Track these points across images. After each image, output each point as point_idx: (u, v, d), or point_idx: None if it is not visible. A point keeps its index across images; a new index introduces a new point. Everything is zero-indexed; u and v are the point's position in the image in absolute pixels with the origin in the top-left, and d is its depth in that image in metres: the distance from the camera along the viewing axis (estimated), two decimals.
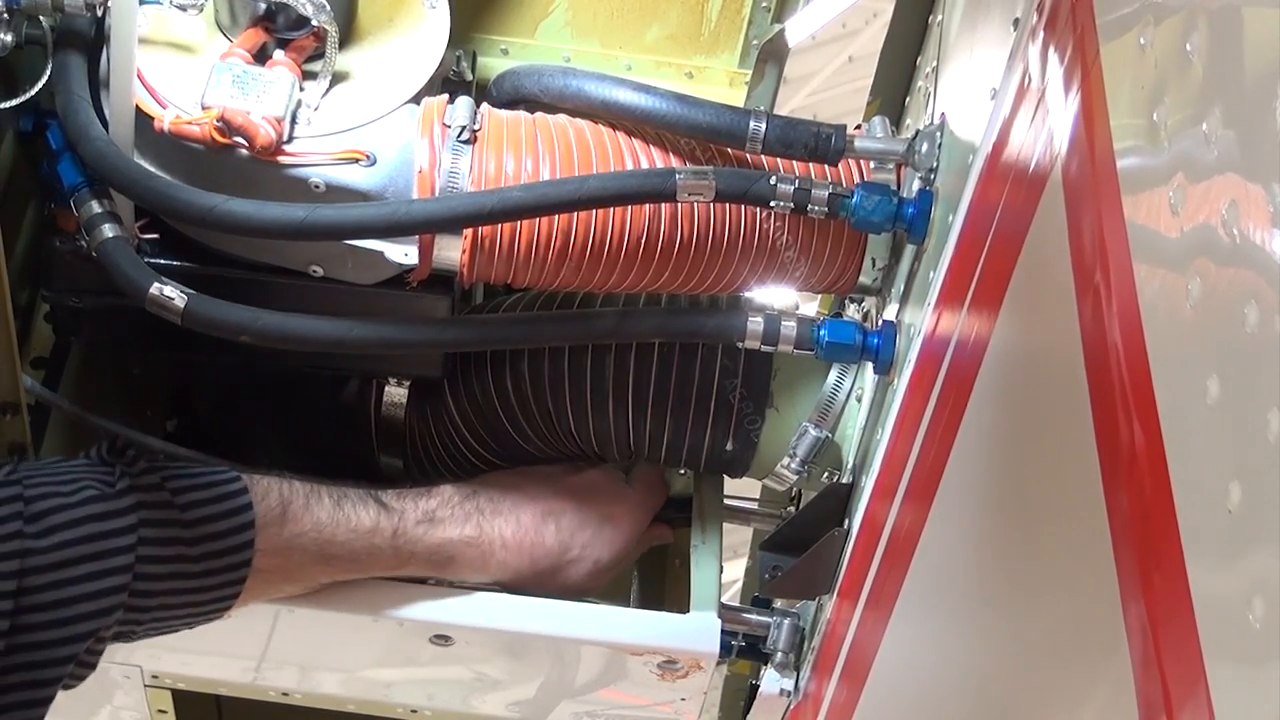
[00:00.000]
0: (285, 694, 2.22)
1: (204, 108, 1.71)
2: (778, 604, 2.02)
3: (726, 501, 2.16)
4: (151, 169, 1.74)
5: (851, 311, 2.14)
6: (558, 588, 1.94)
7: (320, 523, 1.77)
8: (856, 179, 1.82)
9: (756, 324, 1.82)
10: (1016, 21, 1.40)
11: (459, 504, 1.88)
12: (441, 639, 1.93)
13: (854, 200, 1.73)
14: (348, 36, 1.83)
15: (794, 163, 1.79)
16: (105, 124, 1.72)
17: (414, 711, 2.26)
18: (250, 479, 1.74)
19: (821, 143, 1.74)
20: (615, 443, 1.98)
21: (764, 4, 2.20)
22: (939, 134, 1.70)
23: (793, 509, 2.25)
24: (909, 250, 1.77)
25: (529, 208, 1.72)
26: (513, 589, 1.92)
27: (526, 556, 1.90)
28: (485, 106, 1.84)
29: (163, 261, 1.79)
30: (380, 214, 1.71)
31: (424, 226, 1.73)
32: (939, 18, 1.98)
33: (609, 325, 1.88)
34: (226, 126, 1.69)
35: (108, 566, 1.60)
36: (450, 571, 1.88)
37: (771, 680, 2.00)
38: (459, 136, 1.77)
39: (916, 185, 1.73)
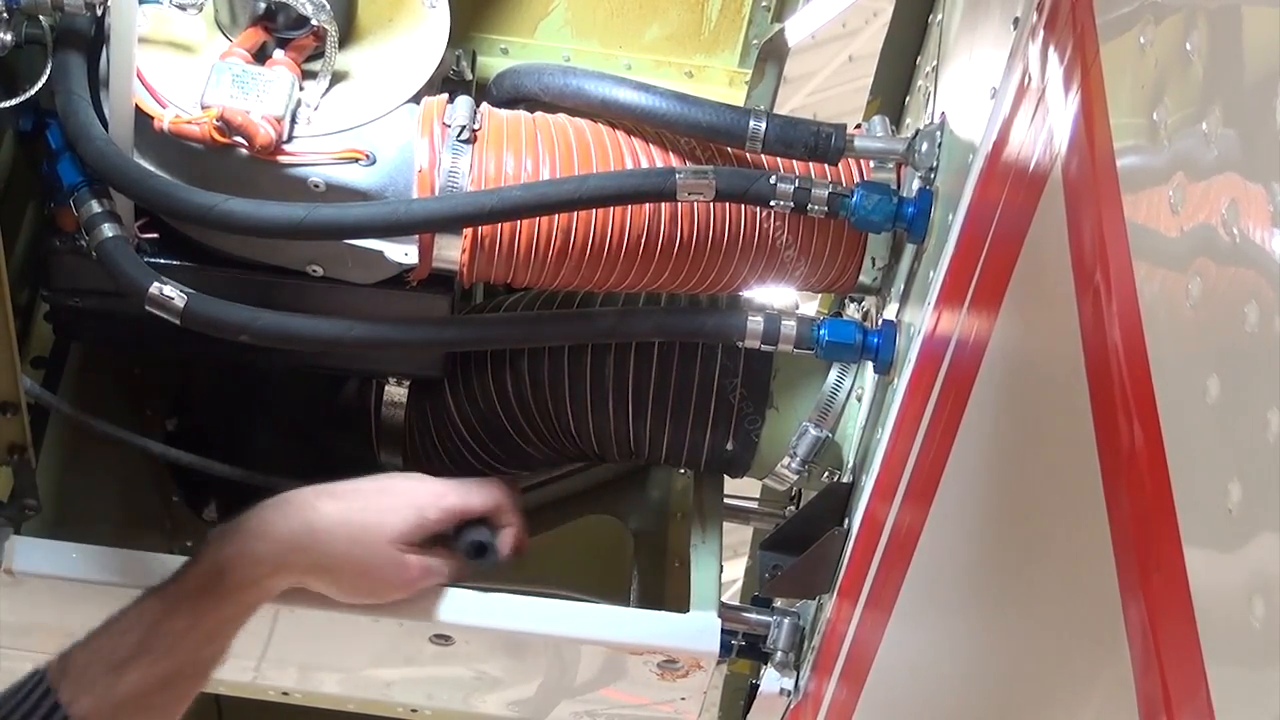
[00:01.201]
0: (285, 693, 2.22)
1: (204, 107, 1.71)
2: (778, 603, 2.02)
3: (726, 501, 2.15)
4: (151, 168, 1.73)
5: (851, 311, 2.14)
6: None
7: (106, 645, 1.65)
8: (856, 178, 1.82)
9: (756, 323, 1.82)
10: (1016, 21, 1.40)
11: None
12: (441, 638, 1.93)
13: (854, 200, 1.73)
14: (347, 36, 1.83)
15: (794, 162, 1.79)
16: (105, 123, 1.72)
17: (414, 711, 2.26)
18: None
19: (821, 142, 1.74)
20: (615, 442, 1.98)
21: (764, 3, 2.20)
22: (939, 133, 1.70)
23: (793, 508, 2.25)
24: (909, 250, 1.77)
25: (529, 207, 1.72)
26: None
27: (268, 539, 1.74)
28: (485, 106, 1.84)
29: (162, 261, 1.79)
30: (380, 213, 1.71)
31: (424, 226, 1.73)
32: (939, 17, 1.98)
33: (609, 325, 1.88)
34: (226, 126, 1.69)
35: None
36: (227, 583, 1.72)
37: (771, 679, 2.00)
38: (459, 136, 1.77)
39: (916, 184, 1.73)
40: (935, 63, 1.91)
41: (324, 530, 1.76)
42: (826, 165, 1.81)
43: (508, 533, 1.91)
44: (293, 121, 1.74)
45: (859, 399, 1.92)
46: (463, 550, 1.87)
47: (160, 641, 1.66)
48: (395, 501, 1.82)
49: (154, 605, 1.68)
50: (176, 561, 1.78)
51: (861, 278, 1.86)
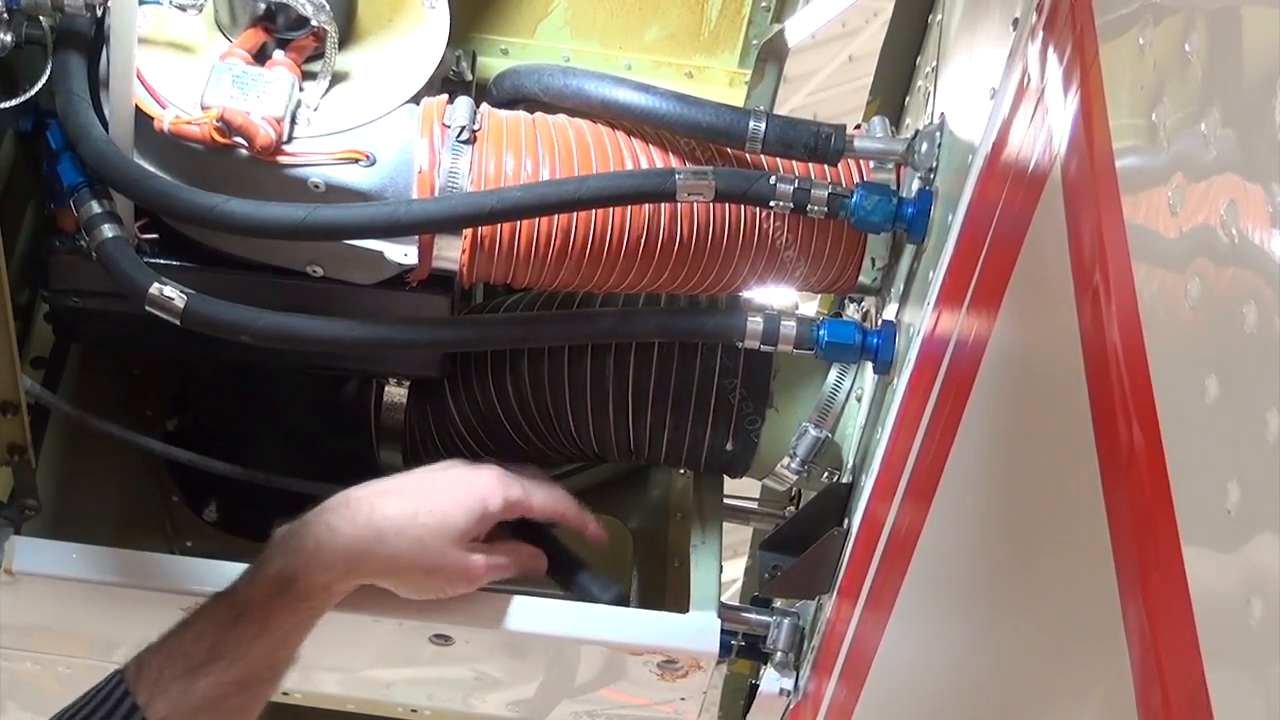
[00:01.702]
0: (285, 693, 2.22)
1: (204, 108, 1.71)
2: (777, 603, 2.02)
3: (726, 501, 2.15)
4: (151, 169, 1.74)
5: (851, 311, 2.14)
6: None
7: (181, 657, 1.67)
8: (856, 179, 1.82)
9: (756, 324, 1.82)
10: (1016, 21, 1.40)
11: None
12: (441, 638, 1.93)
13: (853, 200, 1.73)
14: (347, 36, 1.83)
15: (793, 162, 1.79)
16: (105, 124, 1.72)
17: (414, 711, 2.26)
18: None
19: (821, 142, 1.74)
20: (615, 443, 1.98)
21: (764, 3, 2.20)
22: (938, 133, 1.70)
23: (792, 508, 2.25)
24: (908, 250, 1.77)
25: (529, 207, 1.72)
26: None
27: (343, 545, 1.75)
28: (485, 106, 1.84)
29: (162, 261, 1.79)
30: (380, 214, 1.71)
31: (424, 226, 1.73)
32: (939, 17, 1.98)
33: (609, 325, 1.88)
34: (226, 126, 1.69)
35: None
36: (297, 590, 1.73)
37: (771, 680, 2.00)
38: (459, 136, 1.77)
39: (916, 185, 1.73)
40: (935, 63, 1.91)
41: (391, 533, 1.77)
42: (826, 166, 1.81)
43: (593, 527, 1.97)
44: (293, 122, 1.74)
45: (859, 399, 1.92)
46: (579, 590, 1.95)
47: (232, 649, 1.68)
48: (457, 496, 1.82)
49: (224, 612, 1.70)
50: (174, 561, 1.78)
51: (861, 278, 1.86)
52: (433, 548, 1.80)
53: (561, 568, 2.02)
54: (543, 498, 1.90)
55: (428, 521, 1.79)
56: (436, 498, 1.81)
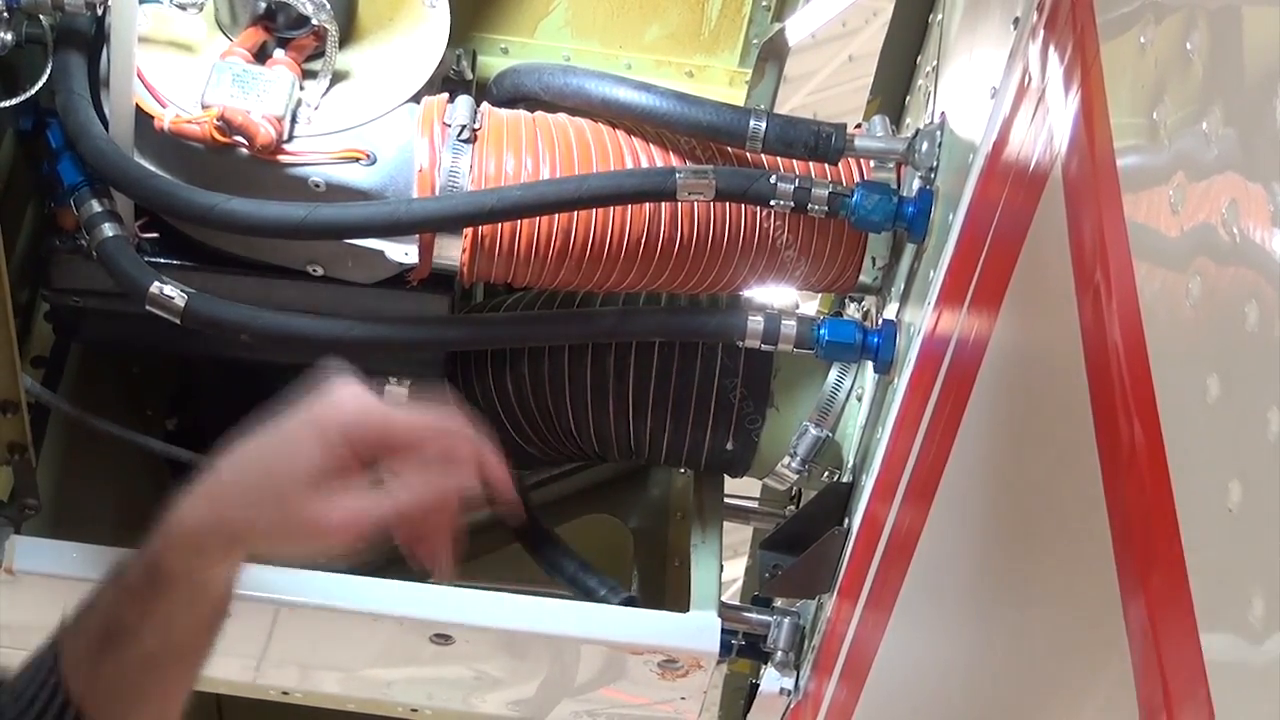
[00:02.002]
0: (285, 693, 2.22)
1: (204, 107, 1.71)
2: (778, 603, 2.02)
3: (727, 501, 2.15)
4: (151, 168, 1.74)
5: (851, 310, 2.14)
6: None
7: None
8: (857, 178, 1.82)
9: (757, 323, 1.82)
10: (1017, 21, 1.40)
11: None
12: (442, 638, 1.93)
13: (854, 199, 1.73)
14: (348, 35, 1.83)
15: (794, 162, 1.79)
16: (105, 123, 1.72)
17: (414, 710, 2.26)
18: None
19: (821, 141, 1.74)
20: (615, 442, 1.98)
21: (764, 3, 2.20)
22: (939, 133, 1.70)
23: (793, 508, 2.25)
24: (909, 249, 1.77)
25: (529, 207, 1.72)
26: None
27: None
28: (485, 105, 1.84)
29: (162, 260, 1.79)
30: (380, 213, 1.71)
31: (424, 226, 1.73)
32: (939, 17, 1.98)
33: (609, 324, 1.88)
34: (226, 125, 1.69)
35: None
36: (161, 576, 1.54)
37: (771, 679, 2.00)
38: (459, 135, 1.77)
39: (916, 184, 1.73)
40: (935, 62, 1.91)
41: (230, 496, 1.53)
42: (826, 165, 1.81)
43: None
44: (293, 121, 1.74)
45: (859, 398, 1.92)
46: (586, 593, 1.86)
47: (121, 632, 1.53)
48: (297, 436, 1.52)
49: (110, 594, 1.54)
50: None
51: (861, 277, 1.86)
52: (273, 505, 1.51)
53: (565, 569, 2.02)
54: (405, 418, 1.48)
55: (263, 471, 1.51)
56: (275, 441, 1.54)
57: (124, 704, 1.51)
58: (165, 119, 1.71)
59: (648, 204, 1.77)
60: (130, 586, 1.53)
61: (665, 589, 2.30)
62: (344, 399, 1.48)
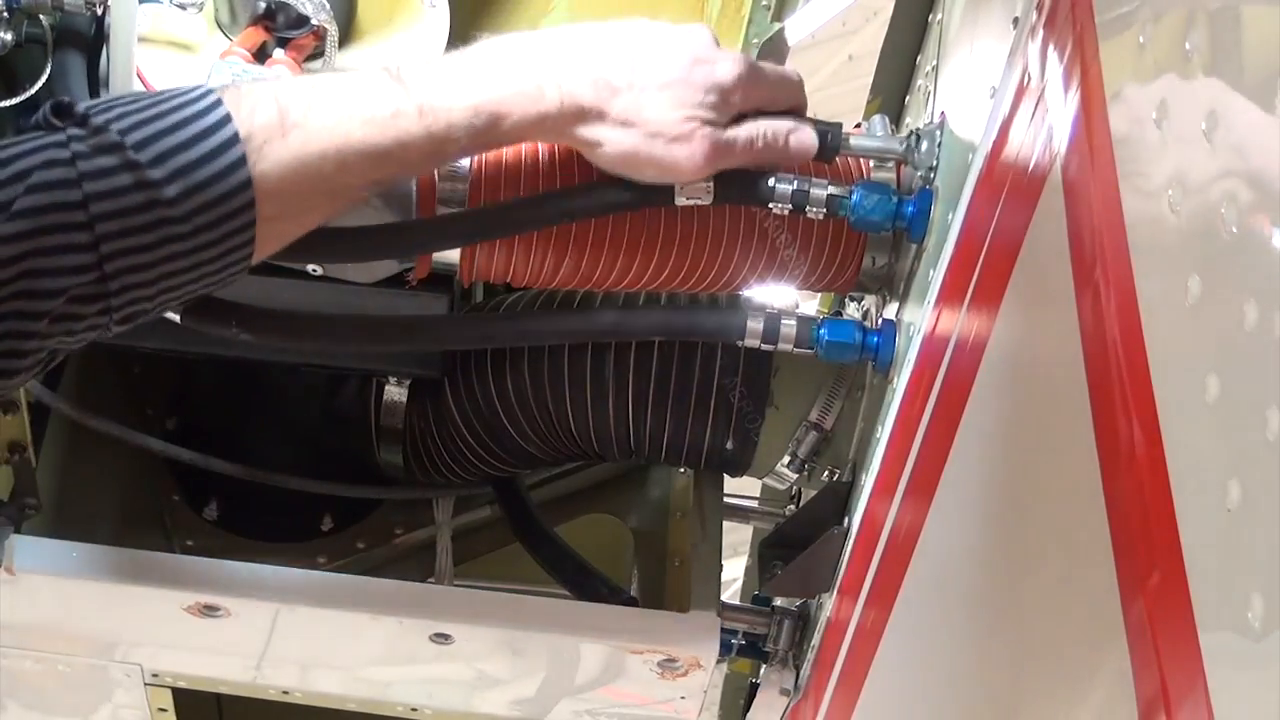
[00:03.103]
0: (285, 692, 2.22)
1: None
2: (778, 602, 2.02)
3: (726, 500, 2.16)
4: None
5: (851, 310, 2.14)
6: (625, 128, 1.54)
7: (328, 128, 1.39)
8: (857, 178, 1.82)
9: (756, 322, 1.82)
10: (1016, 20, 1.40)
11: (489, 48, 1.52)
12: (441, 637, 1.93)
13: (853, 199, 1.73)
14: (347, 35, 1.83)
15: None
16: None
17: (414, 710, 2.26)
18: (234, 96, 1.37)
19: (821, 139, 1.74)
20: (615, 441, 1.98)
21: (764, 2, 2.20)
22: (939, 132, 1.70)
23: (793, 507, 2.25)
24: (909, 249, 1.76)
25: (530, 221, 1.71)
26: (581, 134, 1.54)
27: (589, 81, 1.50)
28: None
29: None
30: (376, 233, 1.69)
31: (422, 248, 1.72)
32: (939, 16, 1.98)
33: (609, 324, 1.88)
34: None
35: (61, 264, 1.28)
36: (504, 130, 1.50)
37: (771, 678, 2.00)
38: None
39: (916, 184, 1.73)
40: (935, 62, 1.91)
41: (637, 72, 1.51)
42: (825, 164, 1.81)
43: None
44: None
45: (859, 398, 1.92)
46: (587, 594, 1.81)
47: (397, 162, 1.44)
48: (699, 55, 1.54)
49: (413, 132, 1.43)
50: (175, 560, 1.78)
51: (861, 277, 1.86)
52: (685, 104, 1.52)
53: (564, 569, 2.02)
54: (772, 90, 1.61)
55: (674, 74, 1.51)
56: (675, 51, 1.53)
57: (308, 200, 1.41)
58: None
59: None
60: (454, 123, 1.45)
61: (665, 589, 2.30)
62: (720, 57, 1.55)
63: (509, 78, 1.47)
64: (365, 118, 1.40)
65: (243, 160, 1.33)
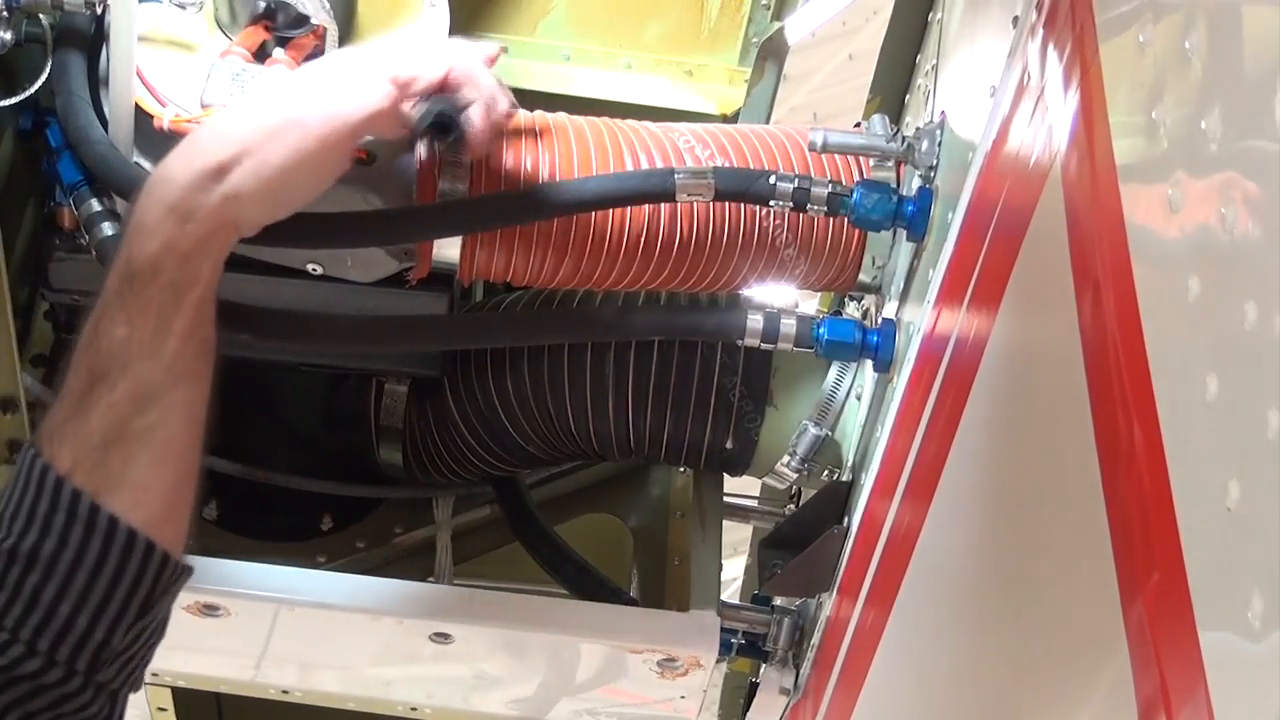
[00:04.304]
0: (285, 691, 2.22)
1: (203, 106, 1.71)
2: (777, 602, 2.02)
3: (726, 499, 2.15)
4: (152, 169, 1.73)
5: (851, 309, 2.14)
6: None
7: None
8: (857, 177, 1.82)
9: (756, 322, 1.82)
10: (1016, 19, 1.40)
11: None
12: (441, 637, 1.93)
13: (853, 198, 1.73)
14: (347, 34, 1.83)
15: (793, 160, 1.79)
16: (105, 123, 1.72)
17: (414, 709, 2.26)
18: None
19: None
20: (615, 441, 1.98)
21: (764, 2, 2.20)
22: (939, 132, 1.70)
23: (793, 507, 2.25)
24: (909, 248, 1.76)
25: (530, 211, 1.71)
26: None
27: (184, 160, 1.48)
28: None
29: None
30: (375, 220, 1.70)
31: (420, 236, 1.72)
32: (939, 15, 1.98)
33: (609, 323, 1.88)
34: None
35: None
36: (136, 269, 1.46)
37: (771, 678, 2.00)
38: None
39: (916, 183, 1.73)
40: (935, 61, 1.91)
41: (234, 138, 1.46)
42: (825, 163, 1.81)
43: (475, 108, 1.59)
44: None
45: (858, 397, 1.92)
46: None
47: (107, 364, 1.41)
48: (322, 86, 1.50)
49: (86, 331, 1.43)
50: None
51: (861, 276, 1.86)
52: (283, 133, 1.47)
53: (564, 568, 2.01)
54: (431, 65, 1.57)
55: (286, 118, 1.46)
56: (290, 95, 1.50)
57: (122, 454, 1.38)
58: (165, 118, 1.70)
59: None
60: (104, 305, 1.42)
61: (665, 588, 2.30)
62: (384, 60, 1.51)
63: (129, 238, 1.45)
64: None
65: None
